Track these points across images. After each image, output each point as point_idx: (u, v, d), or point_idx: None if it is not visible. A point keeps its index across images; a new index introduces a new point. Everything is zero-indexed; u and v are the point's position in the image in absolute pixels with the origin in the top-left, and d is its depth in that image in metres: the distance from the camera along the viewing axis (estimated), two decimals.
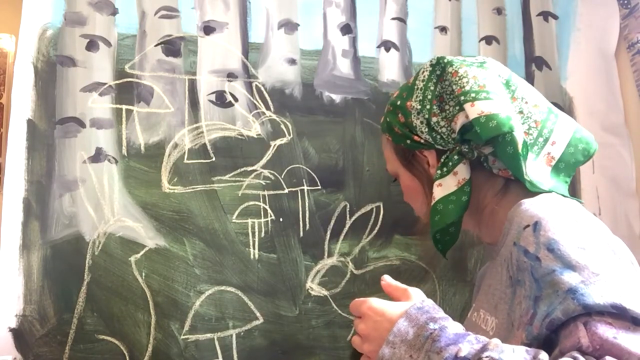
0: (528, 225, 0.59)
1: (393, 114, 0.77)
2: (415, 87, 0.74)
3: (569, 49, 1.33)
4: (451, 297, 1.18)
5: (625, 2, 1.31)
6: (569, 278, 0.52)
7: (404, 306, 0.56)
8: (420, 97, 0.72)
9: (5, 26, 1.06)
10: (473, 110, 0.66)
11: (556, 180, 0.69)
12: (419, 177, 0.76)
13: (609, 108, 1.31)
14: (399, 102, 0.76)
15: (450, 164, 0.69)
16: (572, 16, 1.34)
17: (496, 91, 0.68)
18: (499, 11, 1.31)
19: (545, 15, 1.34)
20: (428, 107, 0.71)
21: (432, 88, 0.72)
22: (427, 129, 0.71)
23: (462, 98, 0.67)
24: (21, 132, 1.01)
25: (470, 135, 0.68)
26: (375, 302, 0.58)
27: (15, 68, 1.02)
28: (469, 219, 0.74)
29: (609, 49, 1.33)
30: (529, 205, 0.62)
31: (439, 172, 0.70)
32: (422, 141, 0.73)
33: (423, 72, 0.74)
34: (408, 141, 0.75)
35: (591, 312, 0.50)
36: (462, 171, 0.69)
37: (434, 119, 0.70)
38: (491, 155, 0.69)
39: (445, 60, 0.72)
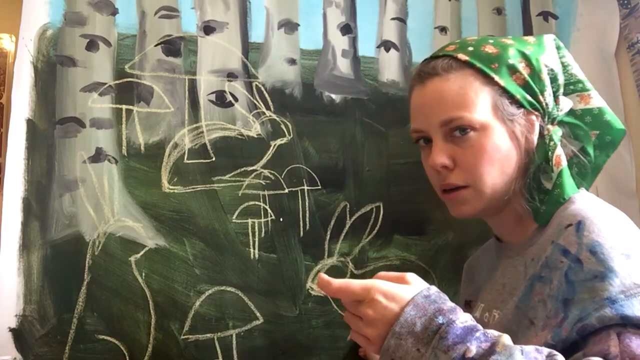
0: (570, 225, 0.57)
1: (516, 59, 0.66)
2: (547, 47, 0.69)
3: (569, 49, 1.33)
4: (451, 297, 1.17)
5: (625, 2, 1.31)
6: (610, 285, 0.50)
7: (411, 291, 0.54)
8: (556, 61, 0.69)
9: (5, 26, 1.06)
10: (599, 100, 0.71)
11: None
12: (519, 138, 0.65)
13: None
14: (526, 51, 0.66)
15: (555, 137, 0.66)
16: (572, 16, 1.34)
17: None
18: (499, 11, 1.31)
19: (545, 15, 1.34)
20: (562, 72, 0.70)
21: (562, 60, 0.72)
22: (551, 94, 0.67)
23: (583, 85, 0.71)
24: (21, 132, 1.01)
25: (577, 119, 0.70)
26: (385, 286, 0.54)
27: (15, 68, 1.02)
28: (504, 206, 0.68)
29: (609, 49, 1.33)
30: (570, 203, 0.61)
31: (554, 139, 0.66)
32: (542, 104, 0.66)
33: (546, 40, 0.71)
34: (528, 97, 0.65)
35: (627, 324, 0.48)
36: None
37: (560, 90, 0.69)
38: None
39: (560, 43, 0.73)
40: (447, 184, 0.67)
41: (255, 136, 1.12)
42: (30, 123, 1.01)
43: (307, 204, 1.13)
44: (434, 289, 0.55)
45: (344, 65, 1.19)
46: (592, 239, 0.54)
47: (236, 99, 1.12)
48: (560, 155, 0.64)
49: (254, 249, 1.09)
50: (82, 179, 1.02)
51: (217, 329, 1.05)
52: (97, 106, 1.05)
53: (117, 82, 1.07)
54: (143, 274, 1.02)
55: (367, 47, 1.22)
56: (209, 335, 1.04)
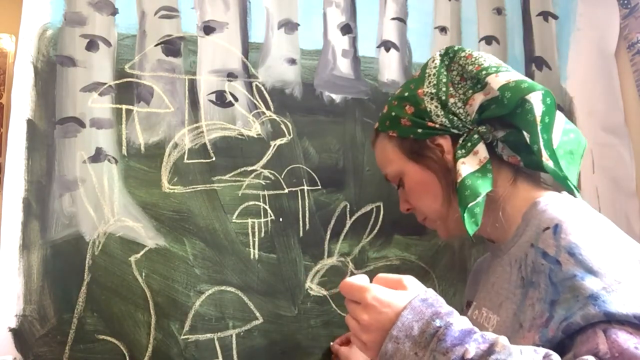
0: (548, 228, 0.59)
1: (399, 107, 0.76)
2: (427, 74, 0.75)
3: (569, 49, 1.33)
4: (451, 297, 1.18)
5: (625, 2, 1.31)
6: (590, 284, 0.51)
7: (407, 297, 0.54)
8: (435, 82, 0.73)
9: (5, 26, 1.06)
10: (497, 81, 0.67)
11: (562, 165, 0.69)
12: (432, 167, 0.74)
13: (609, 108, 1.31)
14: (406, 94, 0.76)
15: (470, 144, 0.69)
16: (572, 16, 1.34)
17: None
18: (499, 11, 1.31)
19: (545, 15, 1.34)
20: (444, 89, 0.72)
21: (445, 73, 0.74)
22: (443, 112, 0.71)
23: (484, 72, 0.69)
24: (21, 132, 1.01)
25: (490, 112, 0.68)
26: (380, 292, 0.55)
27: (15, 68, 1.02)
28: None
29: (609, 49, 1.33)
30: (546, 205, 0.62)
31: (459, 152, 0.70)
32: (436, 126, 0.72)
33: (433, 61, 0.76)
34: (420, 130, 0.73)
35: (612, 320, 0.49)
36: (483, 150, 0.69)
37: (452, 100, 0.71)
38: (500, 142, 0.70)
39: (455, 48, 0.75)
40: (420, 220, 0.82)
41: (255, 136, 1.12)
42: (30, 123, 1.01)
43: (307, 204, 1.13)
44: (431, 292, 0.55)
45: (344, 65, 1.19)
46: (569, 241, 0.55)
47: (236, 99, 1.12)
48: (459, 170, 0.68)
49: (253, 249, 1.09)
50: (82, 179, 1.02)
51: (217, 329, 1.05)
52: (97, 106, 1.05)
53: (117, 82, 1.07)
54: (143, 274, 1.02)
55: (367, 47, 1.22)
56: (209, 335, 1.04)
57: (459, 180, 0.68)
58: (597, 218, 0.61)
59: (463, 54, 0.73)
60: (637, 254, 0.55)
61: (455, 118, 0.71)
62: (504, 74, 0.68)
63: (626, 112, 1.31)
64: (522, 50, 1.31)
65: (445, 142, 0.72)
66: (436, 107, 0.72)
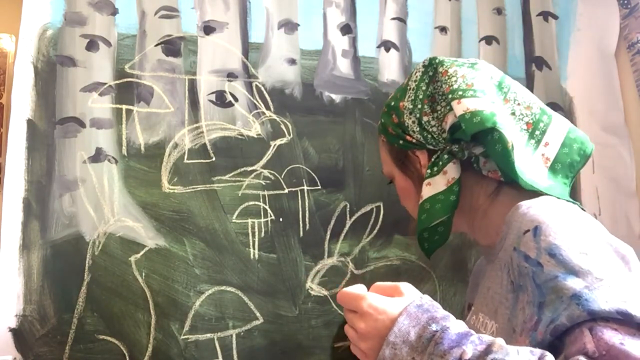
0: (528, 230, 0.58)
1: (387, 114, 0.78)
2: (408, 87, 0.75)
3: (569, 49, 1.33)
4: (451, 297, 1.18)
5: (625, 2, 1.31)
6: (573, 283, 0.51)
7: (402, 303, 0.55)
8: (412, 97, 0.74)
9: (5, 26, 1.06)
10: (459, 108, 0.66)
11: (554, 181, 0.68)
12: (412, 177, 0.76)
13: (609, 108, 1.31)
14: (392, 103, 0.77)
15: (440, 163, 0.70)
16: (572, 16, 1.34)
17: (484, 90, 0.68)
18: (499, 11, 1.31)
19: (545, 15, 1.34)
20: (419, 106, 0.72)
21: (424, 88, 0.73)
22: (418, 129, 0.72)
23: (450, 96, 0.68)
24: (21, 132, 1.01)
25: (459, 134, 0.68)
26: (375, 300, 0.56)
27: (15, 68, 1.02)
28: (461, 221, 0.74)
29: (609, 49, 1.33)
30: (527, 208, 0.62)
31: (429, 171, 0.71)
32: (414, 141, 0.74)
33: (415, 72, 0.75)
34: (401, 141, 0.76)
35: (596, 318, 0.49)
36: (452, 171, 0.69)
37: (425, 118, 0.72)
38: (482, 156, 0.69)
39: (437, 61, 0.73)
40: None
41: (255, 136, 1.12)
42: (30, 123, 1.01)
43: (307, 204, 1.13)
44: (426, 298, 0.56)
45: (344, 65, 1.19)
46: (549, 243, 0.55)
47: (236, 99, 1.12)
48: (422, 191, 0.71)
49: (254, 249, 1.09)
50: (82, 179, 1.02)
51: (217, 329, 1.05)
52: (97, 106, 1.05)
53: (117, 82, 1.07)
54: (143, 274, 1.02)
55: (367, 47, 1.22)
56: (209, 335, 1.04)
57: (419, 201, 0.71)
58: (578, 217, 0.60)
59: (441, 69, 0.71)
60: (618, 251, 0.55)
61: (429, 136, 0.72)
62: (468, 100, 0.66)
63: (626, 112, 1.31)
64: (522, 50, 1.31)
65: (422, 156, 0.74)
66: (413, 122, 0.73)
